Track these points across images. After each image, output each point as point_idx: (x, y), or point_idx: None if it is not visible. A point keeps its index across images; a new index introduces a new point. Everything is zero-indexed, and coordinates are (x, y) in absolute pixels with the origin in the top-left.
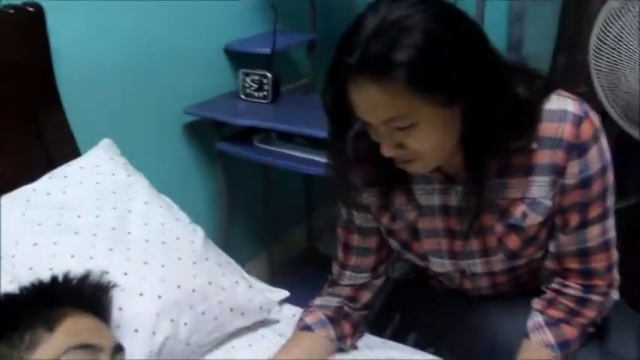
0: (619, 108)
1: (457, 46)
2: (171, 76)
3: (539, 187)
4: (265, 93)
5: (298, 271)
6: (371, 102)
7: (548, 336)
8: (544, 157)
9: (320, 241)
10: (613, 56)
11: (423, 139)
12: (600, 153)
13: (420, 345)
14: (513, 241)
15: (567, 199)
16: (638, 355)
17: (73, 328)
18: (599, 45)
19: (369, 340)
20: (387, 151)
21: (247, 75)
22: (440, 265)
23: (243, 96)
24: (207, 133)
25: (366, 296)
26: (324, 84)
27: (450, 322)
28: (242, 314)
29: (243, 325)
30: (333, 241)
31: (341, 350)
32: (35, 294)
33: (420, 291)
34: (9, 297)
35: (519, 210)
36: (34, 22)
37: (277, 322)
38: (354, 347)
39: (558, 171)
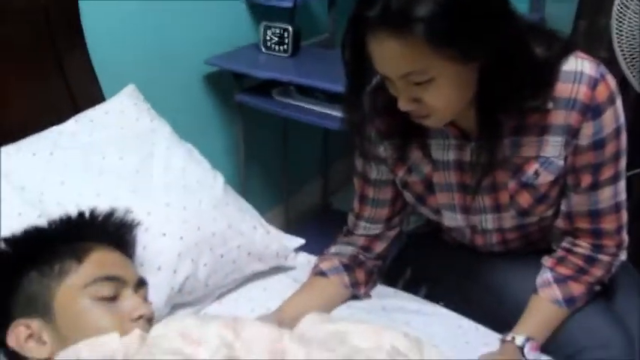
0: (639, 74)
1: (476, 4)
2: (193, 27)
3: (553, 147)
4: (286, 46)
5: (313, 225)
6: (390, 55)
7: (556, 292)
8: (558, 117)
9: (335, 197)
10: (636, 20)
11: (439, 94)
12: (615, 116)
13: (431, 298)
14: (525, 199)
15: (580, 160)
16: None
17: (100, 260)
18: (623, 9)
19: (381, 290)
20: (403, 105)
21: (268, 28)
22: (452, 219)
23: (263, 49)
24: (227, 84)
25: (379, 246)
26: (343, 37)
27: (461, 277)
28: (259, 259)
29: (260, 269)
30: (348, 198)
31: (355, 297)
32: (64, 228)
33: (433, 245)
34: (39, 230)
35: (532, 168)
36: None
37: (293, 268)
38: (368, 296)
39: (572, 132)
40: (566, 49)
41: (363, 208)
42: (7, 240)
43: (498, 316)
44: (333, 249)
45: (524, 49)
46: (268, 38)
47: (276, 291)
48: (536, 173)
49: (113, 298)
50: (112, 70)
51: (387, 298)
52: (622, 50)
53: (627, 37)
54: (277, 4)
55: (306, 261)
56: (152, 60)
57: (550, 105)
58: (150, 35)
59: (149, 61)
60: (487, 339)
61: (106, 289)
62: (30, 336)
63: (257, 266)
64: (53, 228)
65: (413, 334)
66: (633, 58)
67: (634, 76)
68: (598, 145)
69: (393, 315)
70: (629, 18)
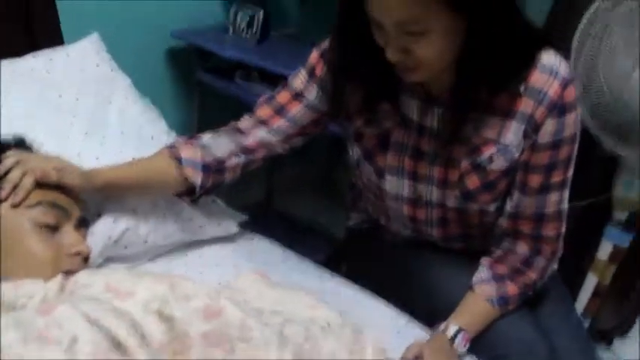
0: (587, 108)
1: None
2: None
3: (513, 134)
4: (254, 31)
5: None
6: (388, 1)
7: (491, 289)
8: (526, 106)
9: (278, 198)
10: (591, 54)
11: (430, 46)
12: (576, 121)
13: None
14: (473, 181)
15: (535, 158)
16: (566, 326)
17: (46, 186)
18: (582, 42)
19: (321, 272)
20: (392, 56)
21: (239, 10)
22: (395, 184)
23: (231, 31)
24: (190, 61)
25: (261, 153)
26: None
27: (396, 274)
28: (200, 226)
29: (199, 237)
30: (292, 200)
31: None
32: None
33: (371, 242)
34: None
35: (488, 151)
36: None
37: (233, 241)
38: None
39: (534, 125)
40: (546, 39)
41: (275, 118)
42: None
43: (431, 314)
44: (207, 137)
45: (510, 9)
46: (238, 20)
47: (212, 258)
48: (491, 158)
49: (54, 228)
50: (77, 28)
51: (326, 281)
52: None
53: (582, 70)
54: None
55: (249, 237)
56: (120, 26)
57: (522, 89)
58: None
59: (117, 26)
60: (417, 331)
61: (49, 217)
62: None
63: (197, 233)
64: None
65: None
66: (586, 92)
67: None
68: (556, 144)
69: (327, 298)
70: (585, 53)
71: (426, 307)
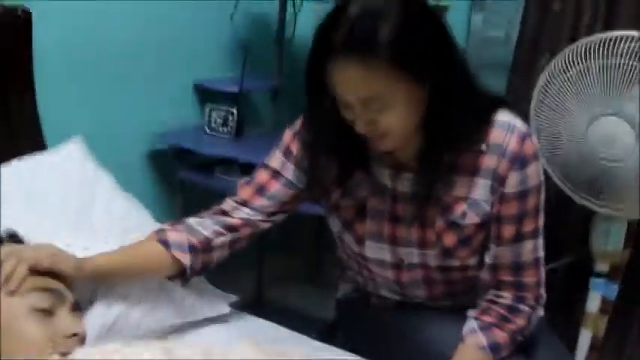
0: (557, 168)
1: (428, 31)
2: (141, 105)
3: (481, 190)
4: (230, 128)
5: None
6: (353, 80)
7: (481, 338)
8: (490, 162)
9: (270, 290)
10: (552, 116)
11: (395, 116)
12: (537, 172)
13: None
14: (450, 238)
15: (505, 209)
16: None
17: (40, 273)
18: (540, 106)
19: (299, 339)
20: (361, 128)
21: (213, 110)
22: (377, 249)
23: (208, 130)
24: (170, 162)
25: (247, 230)
26: (306, 64)
27: (389, 337)
28: (192, 306)
29: (193, 318)
30: (284, 291)
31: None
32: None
33: (362, 309)
34: None
35: (460, 208)
36: (21, 23)
37: (226, 321)
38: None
39: (499, 179)
40: (500, 100)
41: (256, 198)
42: None
43: None
44: (192, 221)
45: (465, 75)
46: (213, 120)
47: (208, 338)
48: (464, 214)
49: (49, 313)
50: (59, 127)
51: (321, 351)
52: (542, 145)
53: (545, 133)
54: (223, 89)
55: (241, 317)
56: (100, 130)
57: (483, 147)
58: (98, 107)
59: (95, 132)
60: None
61: (44, 301)
62: None
63: (190, 314)
64: None
65: None
66: (552, 154)
67: (554, 172)
68: (522, 195)
69: None
70: (545, 113)
71: None
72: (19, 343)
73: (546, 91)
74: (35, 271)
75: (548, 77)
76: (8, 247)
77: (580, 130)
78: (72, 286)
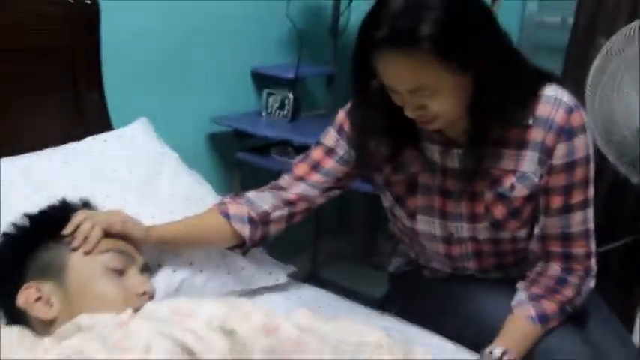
0: (613, 149)
1: (472, 21)
2: (202, 91)
3: (529, 162)
4: (286, 112)
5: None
6: (399, 72)
7: (530, 309)
8: (537, 135)
9: (325, 268)
10: (607, 97)
11: (442, 102)
12: (585, 144)
13: None
14: (499, 211)
15: (553, 181)
16: (615, 342)
17: (113, 237)
18: (595, 86)
19: (354, 307)
20: (410, 113)
21: (270, 95)
22: (427, 223)
23: (264, 114)
24: (228, 144)
25: (301, 207)
26: (352, 55)
27: (440, 308)
28: (252, 275)
29: (252, 286)
30: (338, 269)
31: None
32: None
33: (415, 282)
34: (54, 207)
35: (509, 181)
36: (90, 14)
37: (285, 290)
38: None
39: (547, 151)
40: (548, 76)
41: (312, 174)
42: (26, 216)
43: (477, 342)
44: (251, 194)
45: (510, 57)
46: (270, 104)
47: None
48: (512, 186)
49: (121, 272)
50: (124, 113)
51: (375, 319)
52: (597, 127)
53: (599, 114)
54: (279, 75)
55: (298, 286)
56: (163, 113)
57: (530, 121)
58: (164, 93)
59: (161, 114)
60: (466, 355)
61: (117, 261)
62: (39, 298)
63: (249, 282)
64: (70, 206)
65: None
66: (608, 132)
67: (610, 153)
68: (569, 166)
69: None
70: (600, 94)
71: (472, 335)
72: (95, 300)
73: (602, 71)
74: (108, 235)
75: (604, 58)
76: (84, 212)
77: (635, 109)
78: (140, 248)
